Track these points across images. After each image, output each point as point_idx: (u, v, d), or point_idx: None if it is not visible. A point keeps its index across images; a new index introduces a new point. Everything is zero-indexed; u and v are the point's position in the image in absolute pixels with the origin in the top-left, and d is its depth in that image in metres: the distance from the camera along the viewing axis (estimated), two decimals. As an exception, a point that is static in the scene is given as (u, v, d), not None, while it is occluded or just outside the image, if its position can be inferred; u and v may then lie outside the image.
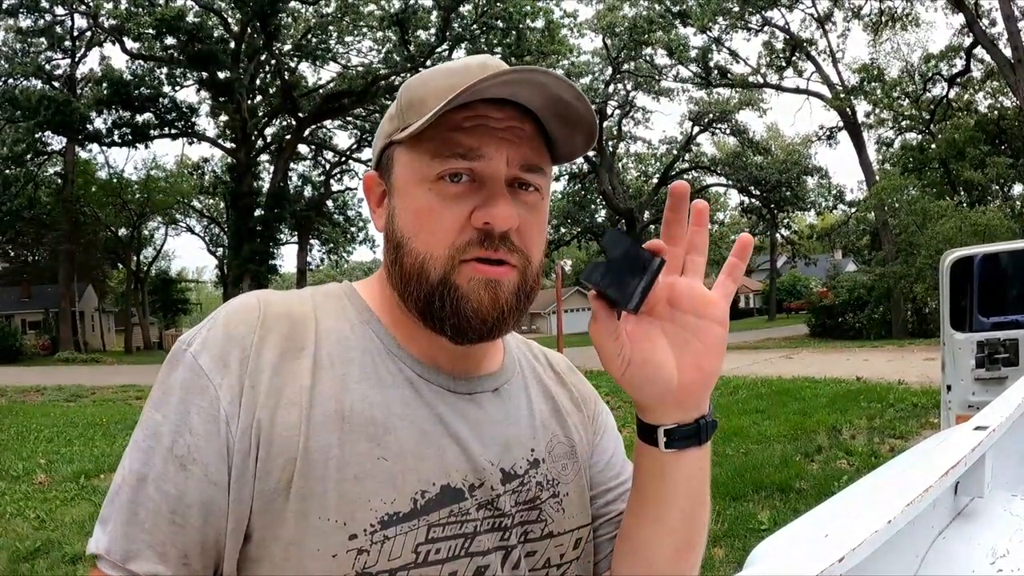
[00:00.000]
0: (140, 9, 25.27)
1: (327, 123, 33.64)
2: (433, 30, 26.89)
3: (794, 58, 30.21)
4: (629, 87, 34.52)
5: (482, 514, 0.78)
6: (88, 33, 28.85)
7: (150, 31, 26.00)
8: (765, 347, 22.57)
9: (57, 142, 29.72)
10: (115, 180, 35.35)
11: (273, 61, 29.03)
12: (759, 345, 23.67)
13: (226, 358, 0.73)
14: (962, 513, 2.06)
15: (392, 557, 0.72)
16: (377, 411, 0.75)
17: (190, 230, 45.79)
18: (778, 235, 41.35)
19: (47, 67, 28.64)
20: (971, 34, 24.05)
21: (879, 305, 25.13)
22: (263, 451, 0.70)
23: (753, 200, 38.26)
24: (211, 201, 42.31)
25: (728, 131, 36.10)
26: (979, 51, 24.81)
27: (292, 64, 30.38)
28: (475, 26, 25.67)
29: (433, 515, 0.75)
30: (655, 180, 38.68)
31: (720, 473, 6.24)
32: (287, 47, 29.38)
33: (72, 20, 28.82)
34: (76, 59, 29.30)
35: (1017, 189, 27.64)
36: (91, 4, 26.27)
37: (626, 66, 33.70)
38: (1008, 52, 21.57)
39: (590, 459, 0.94)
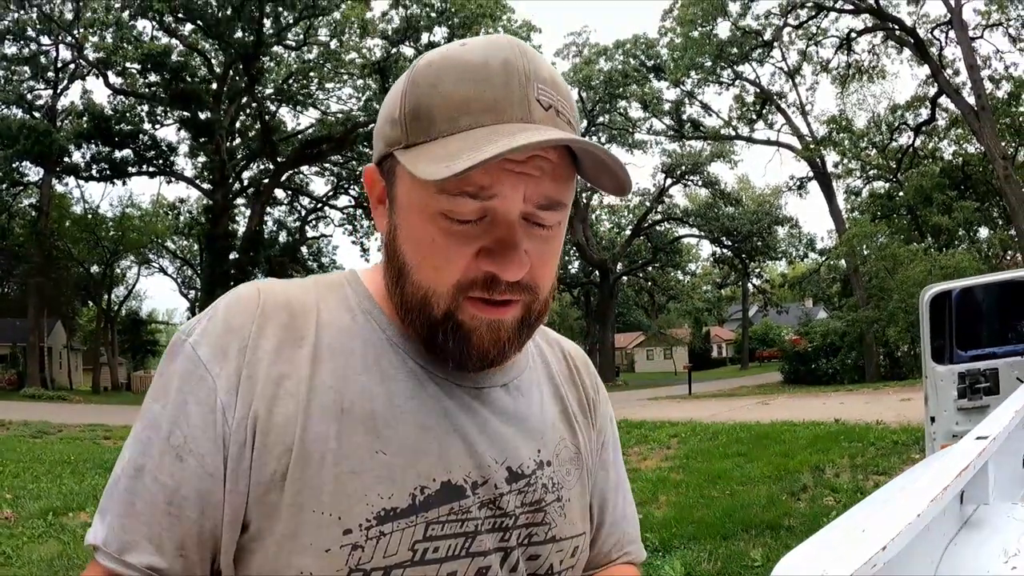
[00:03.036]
0: (126, 44, 25.40)
1: (304, 169, 33.74)
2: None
3: (764, 111, 31.05)
4: (603, 139, 35.12)
5: (484, 513, 0.75)
6: (72, 65, 28.83)
7: (135, 66, 26.14)
8: (740, 395, 22.66)
9: (34, 173, 29.44)
10: (90, 216, 34.96)
11: (254, 104, 29.17)
12: (734, 393, 23.77)
13: (225, 348, 0.71)
14: (969, 521, 2.11)
15: (388, 554, 0.69)
16: (378, 404, 0.73)
17: (163, 271, 45.23)
18: (750, 284, 41.89)
19: (28, 97, 28.56)
20: (936, 84, 24.93)
21: (852, 350, 25.49)
22: (259, 441, 0.68)
23: (725, 250, 38.82)
24: (185, 243, 41.96)
25: (700, 183, 36.77)
26: (944, 100, 25.68)
27: (272, 108, 30.55)
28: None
29: (432, 512, 0.72)
30: (628, 231, 39.16)
31: (708, 514, 6.20)
32: (268, 90, 29.58)
33: (57, 51, 28.91)
34: (58, 91, 29.19)
35: (984, 232, 28.48)
36: (77, 35, 26.34)
37: (601, 119, 34.45)
38: (972, 100, 22.40)
39: (590, 469, 0.91)
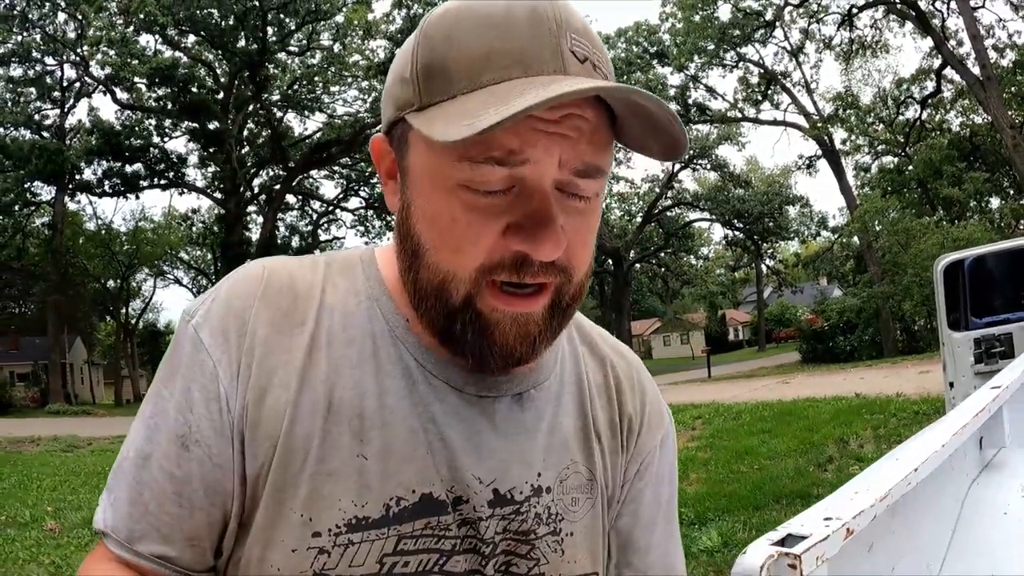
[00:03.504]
0: (133, 59, 25.64)
1: (314, 173, 33.95)
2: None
3: (770, 91, 30.89)
4: (610, 126, 35.10)
5: (463, 532, 0.69)
6: (77, 83, 29.13)
7: (143, 80, 26.35)
8: (759, 376, 22.65)
9: (46, 192, 29.77)
10: (103, 231, 35.36)
11: (262, 111, 29.38)
12: (753, 374, 23.77)
13: (226, 332, 0.68)
14: (989, 465, 2.29)
15: (354, 564, 0.66)
16: (368, 402, 0.68)
17: (178, 282, 45.62)
18: (763, 266, 41.74)
19: (36, 117, 28.87)
20: (940, 56, 24.74)
21: (869, 326, 25.48)
22: (249, 433, 0.66)
23: (737, 233, 38.68)
24: (198, 252, 42.31)
25: (709, 166, 36.62)
26: (948, 72, 25.53)
27: (279, 115, 30.75)
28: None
29: (406, 526, 0.67)
30: (639, 219, 39.12)
31: (739, 488, 6.34)
32: (275, 97, 29.77)
33: (62, 70, 29.18)
34: (65, 109, 29.51)
35: (995, 202, 28.36)
36: (83, 53, 26.59)
37: (606, 105, 34.33)
38: (976, 70, 22.25)
39: (616, 499, 0.81)
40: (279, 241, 33.21)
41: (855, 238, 28.22)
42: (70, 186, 28.80)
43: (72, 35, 26.94)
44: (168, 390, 0.69)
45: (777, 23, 28.26)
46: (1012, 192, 27.36)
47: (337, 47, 28.54)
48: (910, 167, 28.30)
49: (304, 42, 28.18)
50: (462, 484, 0.69)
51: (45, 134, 28.47)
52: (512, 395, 0.74)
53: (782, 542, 1.13)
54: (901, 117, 29.37)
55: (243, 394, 0.67)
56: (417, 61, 0.63)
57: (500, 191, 0.61)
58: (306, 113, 31.11)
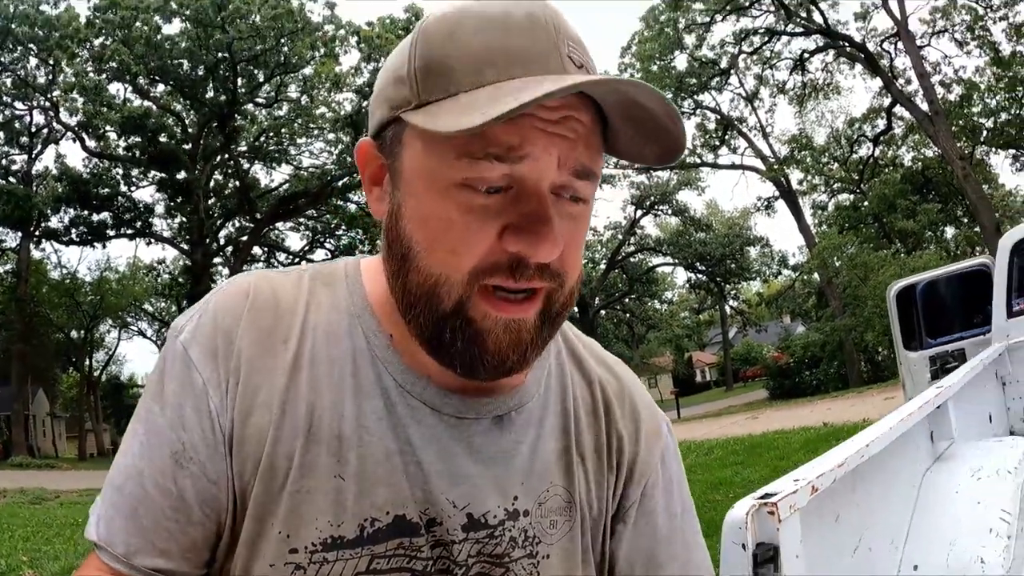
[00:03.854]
0: (105, 107, 25.63)
1: (280, 225, 33.95)
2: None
3: (727, 136, 31.70)
4: (572, 173, 35.71)
5: (436, 553, 0.70)
6: (46, 130, 28.94)
7: (115, 129, 26.29)
8: (728, 413, 22.94)
9: (11, 239, 29.23)
10: (68, 280, 34.75)
11: (231, 162, 29.46)
12: (722, 413, 24.05)
13: (214, 350, 0.69)
14: (941, 457, 2.57)
15: None
16: (346, 423, 0.69)
17: (142, 334, 44.86)
18: (727, 307, 42.39)
19: (3, 162, 28.49)
20: (889, 94, 25.87)
21: (833, 359, 26.00)
22: (236, 451, 0.68)
23: (700, 276, 39.27)
24: (163, 304, 41.76)
25: (670, 211, 37.28)
26: (898, 109, 26.69)
27: (247, 166, 30.86)
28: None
29: (379, 546, 0.68)
30: (603, 265, 39.62)
31: (716, 515, 6.44)
32: (243, 148, 29.91)
33: (31, 116, 28.95)
34: (33, 155, 29.16)
35: (950, 231, 29.41)
36: (53, 99, 26.53)
37: (570, 153, 34.97)
38: (925, 106, 23.34)
39: (605, 521, 0.79)
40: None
41: (815, 275, 28.99)
42: (36, 233, 28.36)
43: (43, 80, 26.92)
44: (159, 406, 0.69)
45: (732, 70, 29.33)
46: (966, 220, 28.45)
47: (305, 99, 28.87)
48: (865, 203, 29.39)
49: (272, 94, 28.45)
50: (436, 507, 0.70)
51: (11, 179, 28.14)
52: (492, 417, 0.73)
53: (762, 497, 1.37)
54: (855, 155, 30.50)
55: (231, 412, 0.68)
56: (415, 59, 0.63)
57: (498, 190, 0.61)
58: (273, 165, 31.24)
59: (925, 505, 2.39)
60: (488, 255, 0.62)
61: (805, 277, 32.57)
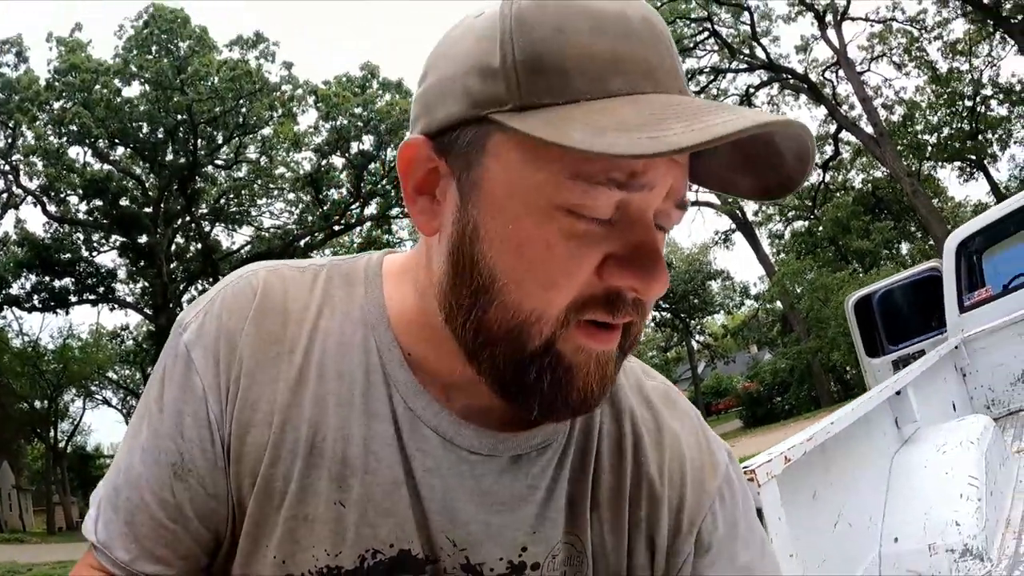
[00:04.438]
0: (66, 171, 25.39)
1: (244, 287, 33.57)
2: (344, 189, 27.64)
3: (681, 174, 32.45)
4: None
5: None
6: (5, 195, 28.49)
7: (77, 193, 25.99)
8: (704, 444, 23.03)
9: None
10: (30, 348, 33.87)
11: (192, 225, 29.30)
12: (697, 444, 24.14)
13: (216, 355, 0.65)
14: (908, 440, 2.78)
15: None
16: (352, 447, 0.64)
17: (107, 403, 43.72)
18: (694, 342, 42.72)
19: (-39, 230, 27.86)
20: (835, 121, 26.67)
21: (803, 383, 26.42)
22: (234, 467, 0.64)
23: (664, 314, 39.65)
24: (127, 372, 40.87)
25: (632, 253, 37.75)
26: (844, 134, 27.46)
27: (208, 228, 30.70)
28: (384, 181, 26.53)
29: None
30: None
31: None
32: (204, 210, 29.80)
33: (-10, 182, 28.47)
34: (-8, 222, 28.68)
35: (904, 247, 30.23)
36: (13, 163, 26.21)
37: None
38: (870, 129, 24.11)
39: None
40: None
41: (777, 302, 29.49)
42: (-1, 301, 27.85)
43: (2, 144, 26.58)
44: (159, 409, 0.66)
45: (682, 109, 30.03)
46: (919, 235, 29.34)
47: (264, 160, 28.93)
48: (820, 228, 30.04)
49: (232, 155, 28.45)
50: (435, 544, 0.65)
51: (-31, 248, 27.65)
52: (509, 457, 0.66)
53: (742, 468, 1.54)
54: (806, 183, 31.11)
55: (229, 424, 0.64)
56: (515, 51, 0.53)
57: (606, 220, 0.54)
58: (235, 226, 31.07)
59: (897, 482, 2.56)
60: (585, 288, 0.55)
61: (768, 305, 33.08)
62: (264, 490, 0.63)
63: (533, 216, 0.53)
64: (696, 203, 32.58)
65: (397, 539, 0.64)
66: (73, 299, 28.95)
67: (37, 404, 37.28)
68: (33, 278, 27.77)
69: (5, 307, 28.66)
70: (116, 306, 30.32)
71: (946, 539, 2.23)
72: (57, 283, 28.32)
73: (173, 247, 30.27)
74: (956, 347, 4.41)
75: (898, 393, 2.84)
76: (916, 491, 2.49)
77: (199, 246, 29.81)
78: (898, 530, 2.36)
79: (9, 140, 26.23)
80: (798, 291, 25.95)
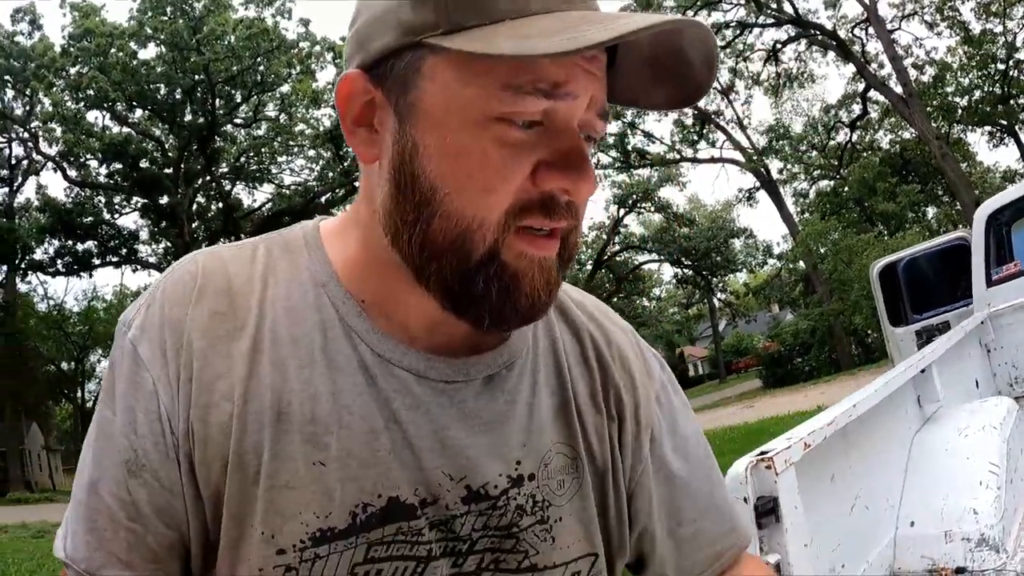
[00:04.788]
0: (86, 136, 25.59)
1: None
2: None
3: (705, 131, 31.73)
4: (553, 175, 35.78)
5: (436, 535, 0.65)
6: (26, 161, 28.84)
7: (96, 157, 26.25)
8: (723, 405, 23.04)
9: None
10: (55, 312, 34.52)
11: (213, 184, 29.44)
12: (717, 404, 24.13)
13: (163, 345, 0.64)
14: (930, 419, 2.71)
15: None
16: (320, 405, 0.63)
17: (132, 362, 44.42)
18: (715, 300, 42.48)
19: (-16, 196, 28.39)
20: (863, 80, 26.14)
21: (824, 345, 26.25)
22: (199, 454, 0.62)
23: (686, 271, 39.22)
24: (152, 330, 41.39)
25: (653, 208, 37.23)
26: (873, 93, 26.92)
27: (229, 187, 30.86)
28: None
29: (375, 532, 0.63)
30: (589, 266, 39.70)
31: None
32: (224, 169, 29.92)
33: (10, 148, 28.91)
34: (14, 188, 29.12)
35: (931, 211, 29.73)
36: (32, 131, 26.42)
37: (550, 157, 35.06)
38: (899, 89, 23.63)
39: (616, 472, 0.74)
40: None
41: (800, 262, 29.17)
42: (21, 266, 28.31)
43: (20, 112, 26.84)
44: (111, 411, 0.64)
45: (706, 65, 29.45)
46: (946, 199, 28.77)
47: (283, 118, 28.89)
48: (846, 188, 29.61)
49: (251, 114, 28.46)
50: (431, 484, 0.65)
51: (-7, 214, 28.06)
52: (483, 378, 0.68)
53: (759, 454, 1.48)
54: (832, 142, 30.73)
55: (185, 412, 0.62)
56: None
57: (531, 125, 0.58)
58: (255, 184, 31.22)
59: (916, 464, 2.51)
60: (521, 193, 0.59)
61: (790, 265, 32.77)
62: (238, 467, 0.62)
63: (469, 128, 0.57)
64: (721, 160, 32.48)
65: (384, 488, 0.63)
66: (96, 262, 29.46)
67: (64, 366, 38.11)
68: (56, 243, 28.21)
69: (30, 272, 29.21)
70: (139, 267, 30.75)
71: (963, 527, 2.20)
72: (80, 246, 28.77)
73: (194, 207, 30.50)
74: (982, 322, 4.30)
75: (922, 371, 2.77)
76: (935, 475, 2.44)
77: (220, 205, 30.02)
78: (915, 514, 2.32)
79: (27, 107, 26.53)
80: (821, 252, 25.64)
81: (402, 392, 0.65)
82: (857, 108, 28.71)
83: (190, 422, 0.62)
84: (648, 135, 34.66)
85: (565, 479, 0.70)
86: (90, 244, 28.97)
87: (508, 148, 0.57)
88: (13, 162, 29.02)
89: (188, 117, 26.92)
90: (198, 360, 0.63)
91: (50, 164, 27.55)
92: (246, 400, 0.62)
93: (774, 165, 31.27)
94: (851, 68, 26.59)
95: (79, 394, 40.73)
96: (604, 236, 38.18)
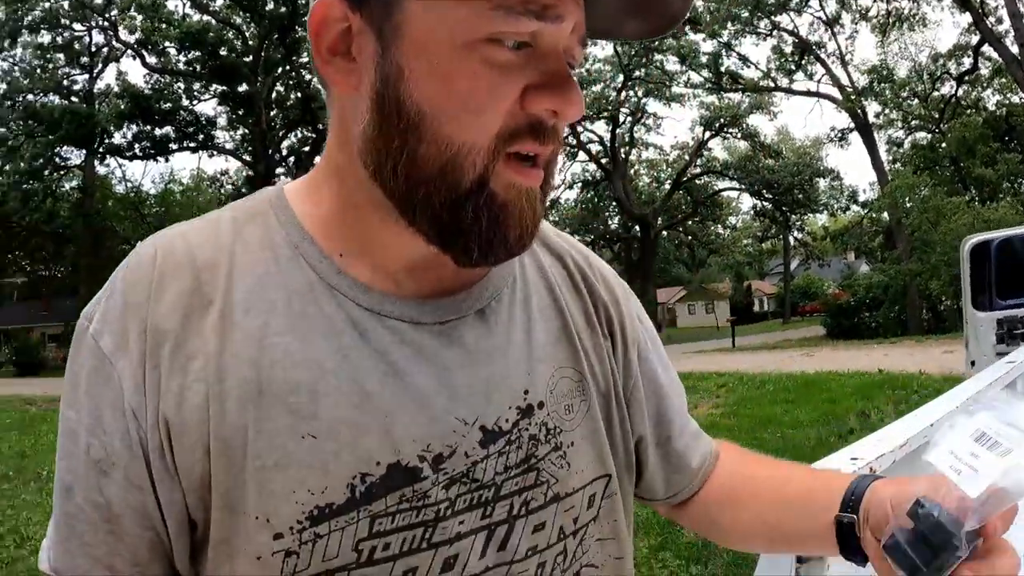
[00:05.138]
0: (163, 24, 25.79)
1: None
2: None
3: (803, 61, 30.31)
4: (640, 94, 34.67)
5: (453, 492, 0.62)
6: (105, 49, 29.42)
7: (174, 45, 26.48)
8: (783, 347, 22.65)
9: (76, 156, 30.17)
10: (133, 194, 35.75)
11: (292, 74, 29.51)
12: (777, 346, 23.76)
13: (125, 334, 0.60)
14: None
15: (327, 557, 0.58)
16: (303, 372, 0.59)
17: (206, 243, 46.22)
18: (791, 238, 41.41)
19: (65, 83, 29.26)
20: (978, 32, 24.30)
21: (895, 304, 25.28)
22: (176, 444, 0.58)
23: (765, 203, 38.26)
24: (227, 215, 42.74)
25: (739, 135, 36.08)
26: (986, 49, 25.04)
27: (309, 77, 30.88)
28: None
29: (377, 503, 0.59)
30: (667, 186, 38.85)
31: (762, 454, 6.49)
32: (304, 59, 29.89)
33: (90, 36, 29.44)
34: (94, 74, 29.89)
35: (1029, 185, 27.86)
36: (111, 19, 26.83)
37: (637, 73, 33.94)
38: (1015, 49, 21.81)
39: (615, 390, 0.75)
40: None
41: (885, 214, 27.93)
42: (100, 150, 29.16)
43: (100, 1, 27.13)
44: (74, 411, 0.61)
45: (813, -9, 27.75)
46: (1048, 175, 26.89)
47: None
48: (943, 144, 27.79)
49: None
50: (446, 435, 0.62)
51: (74, 99, 28.82)
52: (474, 313, 0.67)
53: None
54: (936, 93, 28.81)
55: (155, 402, 0.59)
56: None
57: (520, 46, 0.57)
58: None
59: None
60: (510, 118, 0.57)
61: (874, 215, 31.42)
62: (221, 451, 0.58)
63: (458, 49, 0.55)
64: (817, 94, 31.00)
65: (382, 454, 0.60)
66: (173, 147, 30.10)
67: (139, 245, 39.73)
68: (134, 128, 28.88)
69: (108, 156, 30.10)
70: (215, 153, 31.37)
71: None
72: (158, 132, 29.40)
73: (273, 95, 30.69)
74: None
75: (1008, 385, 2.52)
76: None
77: (299, 95, 30.09)
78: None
79: (104, -1, 26.64)
80: (908, 206, 24.42)
81: (399, 342, 0.62)
82: (967, 62, 26.57)
83: (160, 412, 0.58)
84: (743, 58, 33.25)
85: (573, 403, 0.70)
86: (168, 129, 29.60)
87: (497, 69, 0.56)
88: (93, 49, 29.59)
89: (269, 6, 26.76)
90: (168, 342, 0.59)
91: (129, 51, 28.00)
92: (220, 378, 0.58)
93: (872, 108, 29.51)
94: (967, 18, 24.55)
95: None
96: (686, 157, 37.28)
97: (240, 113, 29.66)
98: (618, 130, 34.39)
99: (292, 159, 32.84)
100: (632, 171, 39.50)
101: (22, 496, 6.52)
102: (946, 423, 0.64)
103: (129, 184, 36.41)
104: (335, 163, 0.64)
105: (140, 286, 0.61)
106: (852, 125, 30.03)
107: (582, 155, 34.81)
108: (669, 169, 40.46)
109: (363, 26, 0.58)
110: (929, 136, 29.99)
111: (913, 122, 30.38)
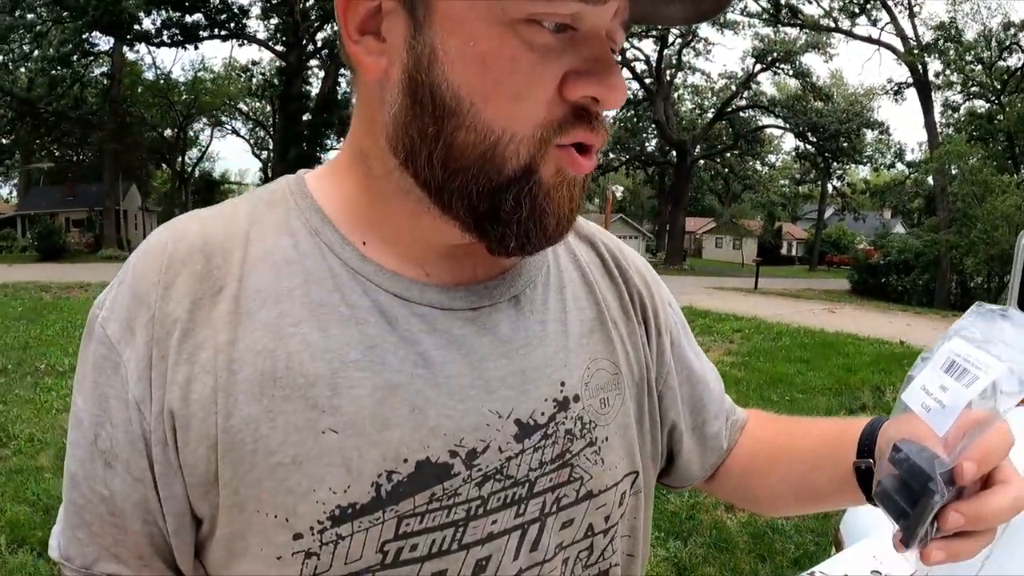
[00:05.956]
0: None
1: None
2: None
3: (869, 5, 28.83)
4: (695, 16, 33.53)
5: (486, 490, 0.59)
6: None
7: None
8: (806, 297, 22.22)
9: (104, 43, 29.53)
10: (162, 81, 35.29)
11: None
12: (800, 294, 23.31)
13: (132, 323, 0.57)
14: None
15: (350, 559, 0.55)
16: (323, 364, 0.56)
17: (235, 132, 45.92)
18: (830, 185, 40.41)
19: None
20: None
21: (925, 272, 24.71)
22: (181, 437, 0.55)
23: (808, 146, 37.23)
24: (257, 104, 42.25)
25: (791, 72, 34.78)
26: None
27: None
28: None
29: (405, 503, 0.56)
30: (710, 114, 37.76)
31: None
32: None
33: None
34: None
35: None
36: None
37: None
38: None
39: (651, 381, 0.73)
40: (339, 96, 33.00)
41: (930, 178, 27.02)
42: (128, 36, 28.37)
43: None
44: (82, 398, 0.59)
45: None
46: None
47: None
48: (1000, 117, 26.57)
49: None
50: (480, 428, 0.58)
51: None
52: (507, 300, 0.63)
53: None
54: (1002, 62, 27.33)
55: (160, 395, 0.56)
56: None
57: (562, 28, 0.52)
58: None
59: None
60: (554, 107, 0.54)
61: (919, 177, 30.41)
62: (231, 446, 0.55)
63: (495, 30, 0.52)
64: (878, 43, 29.64)
65: (410, 450, 0.57)
66: (203, 35, 29.37)
67: (167, 133, 39.52)
68: (164, 14, 28.02)
69: (137, 43, 29.36)
70: (246, 42, 30.68)
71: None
72: (188, 19, 28.59)
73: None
74: None
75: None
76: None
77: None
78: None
79: None
80: (955, 174, 23.48)
81: (429, 330, 0.59)
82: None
83: (165, 403, 0.56)
84: (807, -8, 31.64)
85: (608, 396, 0.67)
86: (198, 16, 28.81)
87: (537, 52, 0.52)
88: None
89: None
90: (175, 333, 0.57)
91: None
92: (232, 371, 0.56)
93: (933, 66, 28.06)
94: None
95: (179, 159, 42.59)
96: (733, 88, 36.14)
97: (274, 2, 28.83)
98: (666, 51, 33.32)
99: (326, 51, 32.13)
100: (676, 95, 38.35)
101: (15, 391, 6.27)
102: (922, 354, 0.59)
103: (158, 71, 35.95)
104: (360, 148, 0.61)
105: (150, 273, 0.59)
106: (910, 80, 28.77)
107: (625, 72, 33.89)
108: (714, 98, 39.31)
109: (394, 4, 0.55)
110: (988, 106, 28.69)
111: (973, 88, 28.91)
